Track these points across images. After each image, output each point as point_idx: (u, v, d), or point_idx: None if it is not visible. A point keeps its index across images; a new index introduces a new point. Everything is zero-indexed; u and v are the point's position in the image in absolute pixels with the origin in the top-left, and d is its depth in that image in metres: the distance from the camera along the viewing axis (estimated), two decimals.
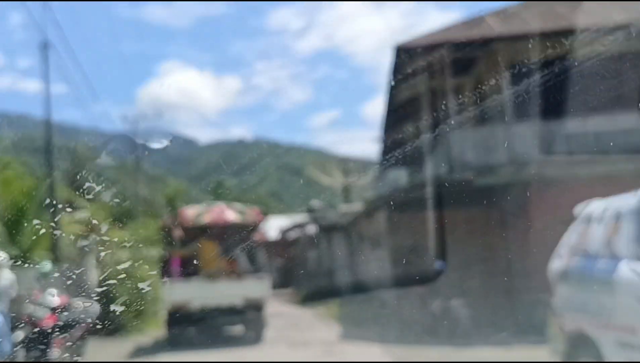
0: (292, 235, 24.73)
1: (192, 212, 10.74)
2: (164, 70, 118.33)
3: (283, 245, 24.98)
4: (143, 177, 22.70)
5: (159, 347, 10.61)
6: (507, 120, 11.13)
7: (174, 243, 11.27)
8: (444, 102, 11.90)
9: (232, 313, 10.22)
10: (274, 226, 24.77)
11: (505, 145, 10.95)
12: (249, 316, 10.36)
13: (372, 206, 14.55)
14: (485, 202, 10.76)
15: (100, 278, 11.37)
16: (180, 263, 10.42)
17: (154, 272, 13.23)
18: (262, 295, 10.46)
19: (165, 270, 10.37)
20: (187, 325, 10.14)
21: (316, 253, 20.55)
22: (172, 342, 10.29)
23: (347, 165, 20.99)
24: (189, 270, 10.22)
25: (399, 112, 12.87)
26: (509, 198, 10.81)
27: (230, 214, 10.61)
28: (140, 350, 10.32)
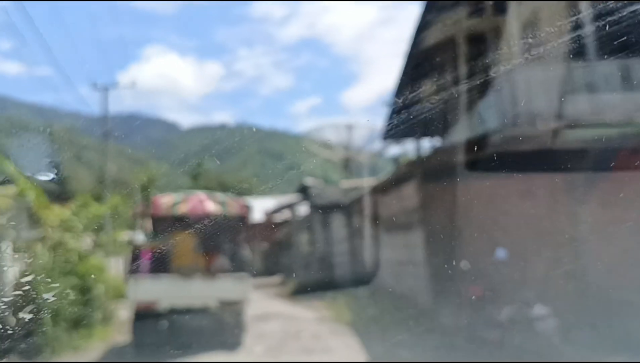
0: (280, 216, 21.88)
1: (166, 201, 9.49)
2: (147, 54, 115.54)
3: (268, 227, 22.50)
4: (121, 159, 20.83)
5: (115, 355, 8.85)
6: (586, 59, 8.29)
7: (144, 234, 10.23)
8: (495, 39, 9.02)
9: (206, 315, 9.03)
10: (258, 208, 22.22)
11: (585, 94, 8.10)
12: (226, 320, 9.15)
13: (388, 178, 11.64)
14: (555, 169, 7.98)
15: (21, 273, 8.10)
16: (150, 257, 9.16)
17: (104, 264, 10.40)
18: (241, 297, 9.26)
19: (133, 265, 9.40)
20: (152, 327, 8.71)
21: (310, 237, 17.69)
22: (135, 348, 8.79)
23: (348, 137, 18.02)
24: (159, 265, 9.02)
25: (429, 55, 9.91)
26: (590, 163, 8.00)
27: (210, 204, 9.49)
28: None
